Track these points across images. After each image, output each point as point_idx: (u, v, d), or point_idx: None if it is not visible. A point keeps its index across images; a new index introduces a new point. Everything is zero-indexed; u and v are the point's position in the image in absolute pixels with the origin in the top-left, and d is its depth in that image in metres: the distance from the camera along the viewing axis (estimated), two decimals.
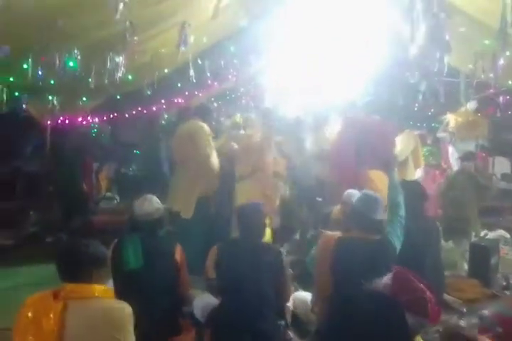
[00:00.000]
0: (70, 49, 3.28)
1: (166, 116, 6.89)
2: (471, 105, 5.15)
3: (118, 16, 2.40)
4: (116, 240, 2.68)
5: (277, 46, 6.49)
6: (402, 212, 2.64)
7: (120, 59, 3.39)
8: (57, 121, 5.54)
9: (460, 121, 5.06)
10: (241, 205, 3.06)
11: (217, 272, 2.67)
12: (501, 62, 3.68)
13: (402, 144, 4.57)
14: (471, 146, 5.29)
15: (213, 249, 2.76)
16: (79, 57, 3.27)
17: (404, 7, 2.58)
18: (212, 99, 8.62)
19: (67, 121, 5.62)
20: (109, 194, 6.95)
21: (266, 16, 5.01)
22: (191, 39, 3.46)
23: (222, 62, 5.10)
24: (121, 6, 2.40)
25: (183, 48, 3.43)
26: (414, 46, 2.53)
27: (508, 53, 4.14)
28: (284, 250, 3.80)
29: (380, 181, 3.82)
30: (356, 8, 4.97)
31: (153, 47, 4.01)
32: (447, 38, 2.51)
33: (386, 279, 2.24)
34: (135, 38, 3.06)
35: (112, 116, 6.35)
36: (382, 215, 2.58)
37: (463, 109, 5.21)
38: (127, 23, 2.90)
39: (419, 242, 2.98)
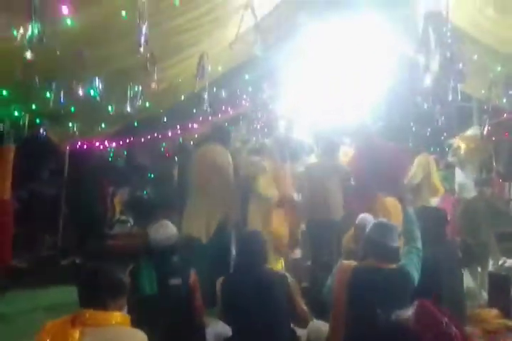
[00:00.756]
0: (91, 78, 3.41)
1: (181, 140, 7.00)
2: (475, 130, 5.21)
3: (142, 50, 2.49)
4: (131, 266, 2.70)
5: (291, 73, 6.65)
6: (419, 244, 2.62)
7: (140, 88, 3.51)
8: (75, 146, 5.68)
9: (471, 147, 5.07)
10: (241, 233, 3.09)
11: (224, 303, 2.65)
12: None
13: (416, 167, 4.56)
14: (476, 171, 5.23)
15: (219, 281, 2.74)
16: (100, 86, 3.39)
17: (418, 37, 2.65)
18: (226, 123, 8.78)
19: (85, 146, 5.76)
20: (123, 217, 7.01)
21: (280, 45, 5.16)
22: (209, 69, 3.57)
23: (238, 90, 5.21)
24: (142, 39, 2.49)
25: (200, 78, 3.53)
26: (428, 75, 2.58)
27: None
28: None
29: (394, 208, 3.82)
30: (370, 36, 5.09)
31: (171, 75, 4.14)
32: (461, 67, 2.55)
33: (409, 312, 2.20)
34: (155, 68, 3.16)
35: (128, 140, 6.49)
36: (397, 243, 2.57)
37: (468, 133, 5.26)
38: (148, 54, 3.01)
39: (443, 269, 2.93)
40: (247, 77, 5.43)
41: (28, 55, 2.18)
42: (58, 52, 2.58)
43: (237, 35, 3.28)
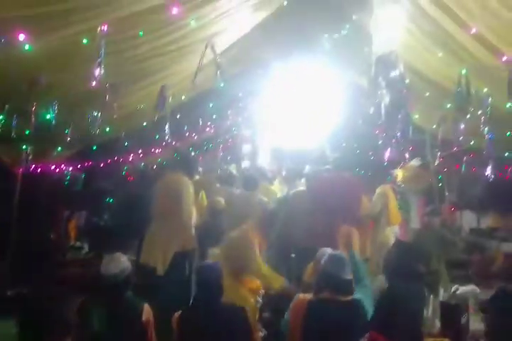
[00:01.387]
0: (47, 102, 3.34)
1: (142, 165, 6.91)
2: (415, 161, 5.56)
3: (94, 84, 2.48)
4: (81, 300, 2.57)
5: (256, 101, 6.82)
6: (367, 281, 2.71)
7: (98, 114, 3.47)
8: (29, 169, 5.46)
9: (406, 175, 5.36)
10: (199, 265, 3.04)
11: (180, 340, 2.57)
12: (462, 125, 3.94)
13: (376, 197, 4.69)
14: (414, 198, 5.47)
15: (175, 316, 2.66)
16: (56, 111, 3.32)
17: (370, 78, 2.80)
18: (191, 148, 8.79)
19: (39, 169, 5.55)
20: (77, 243, 6.72)
21: (245, 75, 5.31)
22: (169, 100, 3.59)
23: (200, 119, 5.26)
24: (97, 72, 2.48)
25: (160, 110, 3.55)
26: (381, 113, 2.71)
27: (468, 116, 4.49)
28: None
29: (353, 238, 3.89)
30: (330, 71, 5.32)
31: (132, 102, 4.13)
32: (406, 111, 2.71)
33: None
34: (115, 97, 3.15)
35: (86, 164, 6.32)
36: (350, 275, 2.61)
37: (409, 164, 5.59)
38: (107, 85, 3.00)
39: (411, 302, 2.93)
40: (210, 105, 5.50)
41: None
42: (11, 77, 2.50)
43: (197, 72, 3.34)
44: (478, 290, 5.91)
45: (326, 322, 2.47)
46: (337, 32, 5.01)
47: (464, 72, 3.86)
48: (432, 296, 4.48)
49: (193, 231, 4.21)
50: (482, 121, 4.00)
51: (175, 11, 2.77)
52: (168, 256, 3.97)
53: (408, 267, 2.85)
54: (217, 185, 5.57)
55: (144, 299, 2.81)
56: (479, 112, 4.01)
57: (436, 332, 4.11)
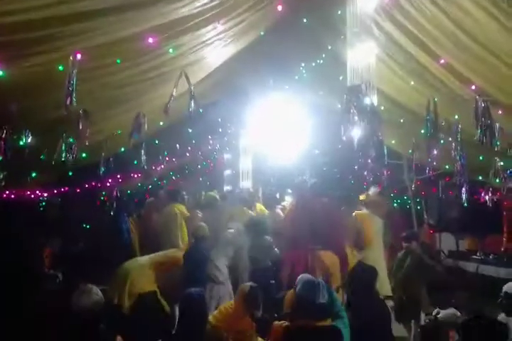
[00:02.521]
0: (20, 128, 3.29)
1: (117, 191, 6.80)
2: (373, 188, 5.75)
3: (65, 113, 2.48)
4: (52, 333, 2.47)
5: (234, 126, 6.88)
6: (344, 313, 2.71)
7: (73, 140, 3.44)
8: (1, 195, 5.33)
9: (367, 201, 5.47)
10: (184, 293, 2.96)
11: None
12: (435, 151, 4.04)
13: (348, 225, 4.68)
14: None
15: None
16: (29, 137, 3.28)
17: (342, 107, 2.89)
18: (171, 172, 8.75)
19: (13, 196, 5.42)
20: (51, 271, 6.48)
21: (223, 102, 5.38)
22: (145, 126, 3.60)
23: (178, 145, 5.28)
24: (68, 99, 2.48)
25: (135, 137, 3.55)
26: (354, 140, 2.77)
27: (442, 141, 4.62)
28: None
29: (331, 262, 3.87)
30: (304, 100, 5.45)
31: (109, 128, 4.12)
32: (378, 138, 2.79)
33: None
34: (88, 124, 3.14)
35: (62, 190, 6.21)
36: (325, 299, 2.58)
37: (368, 191, 5.75)
38: (81, 111, 3.00)
39: (374, 325, 2.99)
40: (190, 130, 5.52)
41: None
42: None
43: (170, 100, 3.38)
44: (458, 313, 5.92)
45: None
46: (313, 61, 5.15)
47: (432, 99, 4.00)
48: (413, 321, 4.46)
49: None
50: (453, 146, 4.12)
51: (150, 40, 2.81)
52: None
53: (367, 286, 3.03)
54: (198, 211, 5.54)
55: (116, 331, 2.71)
56: (449, 139, 4.13)
57: None
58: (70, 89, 2.50)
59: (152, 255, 4.35)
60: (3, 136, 2.97)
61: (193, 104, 3.30)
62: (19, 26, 2.37)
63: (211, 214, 5.17)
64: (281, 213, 5.00)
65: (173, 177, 8.90)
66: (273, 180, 7.82)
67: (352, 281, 3.32)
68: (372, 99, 2.68)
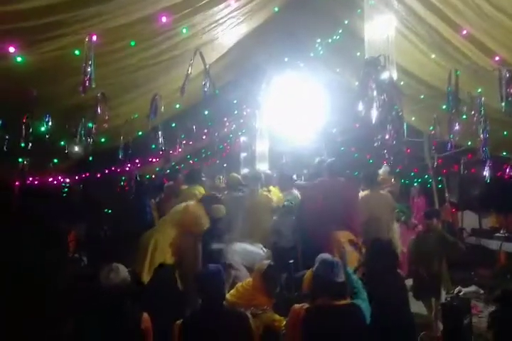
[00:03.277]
0: (41, 114, 3.33)
1: (137, 175, 6.88)
2: (384, 168, 5.73)
3: (83, 94, 2.47)
4: (79, 316, 2.56)
5: (250, 107, 6.82)
6: (364, 295, 2.69)
7: (92, 125, 3.47)
8: (26, 182, 5.44)
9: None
10: (200, 271, 3.00)
11: None
12: (456, 126, 3.94)
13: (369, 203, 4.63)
14: None
15: (176, 324, 2.63)
16: (50, 123, 3.31)
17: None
18: (188, 156, 8.79)
19: (36, 182, 5.53)
20: (76, 256, 6.66)
21: (238, 82, 5.31)
22: (162, 109, 3.59)
23: (194, 127, 5.26)
24: (87, 82, 2.48)
25: (152, 118, 3.54)
26: (372, 116, 2.71)
27: (464, 116, 4.49)
28: None
29: (346, 241, 3.86)
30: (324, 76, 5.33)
31: (126, 112, 4.13)
32: (397, 112, 2.71)
33: None
34: (106, 107, 3.15)
35: (83, 175, 6.30)
36: (343, 278, 2.59)
37: (380, 170, 5.71)
38: (99, 94, 3.00)
39: (392, 301, 3.02)
40: (206, 112, 5.49)
41: None
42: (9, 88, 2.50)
43: (185, 81, 3.34)
44: (481, 291, 5.89)
45: (326, 328, 2.43)
46: (329, 37, 5.02)
47: (454, 71, 3.86)
48: (433, 299, 4.45)
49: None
50: (476, 120, 3.99)
51: (164, 19, 2.76)
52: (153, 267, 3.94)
53: (386, 261, 3.08)
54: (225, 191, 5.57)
55: (142, 308, 2.78)
56: (472, 112, 4.01)
57: (440, 335, 4.09)
58: (89, 70, 2.49)
59: (170, 212, 4.38)
60: (25, 122, 3.01)
61: (208, 84, 3.26)
62: (36, 11, 2.36)
63: (234, 196, 5.18)
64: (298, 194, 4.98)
65: (190, 161, 8.95)
66: (289, 160, 7.77)
67: (370, 258, 3.31)
68: (391, 73, 2.60)
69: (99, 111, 3.08)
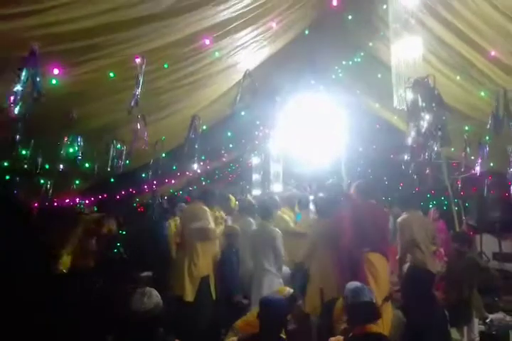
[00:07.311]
0: (73, 135, 3.33)
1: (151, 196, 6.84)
2: None
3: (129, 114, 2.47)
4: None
5: (268, 128, 6.84)
6: None
7: (124, 147, 3.46)
8: (44, 203, 5.42)
9: None
10: (264, 297, 2.91)
11: None
12: (487, 148, 3.92)
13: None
14: None
15: None
16: (81, 144, 3.31)
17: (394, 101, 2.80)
18: (202, 178, 8.77)
19: (55, 203, 5.50)
20: (93, 277, 6.54)
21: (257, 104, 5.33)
22: (200, 130, 3.61)
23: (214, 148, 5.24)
24: (133, 102, 2.49)
25: (192, 138, 3.55)
26: (412, 139, 2.69)
27: (487, 138, 4.46)
28: None
29: (378, 264, 3.76)
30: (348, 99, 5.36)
31: (151, 133, 4.12)
32: (443, 132, 2.69)
33: None
34: (145, 129, 3.15)
35: (101, 197, 6.27)
36: (373, 300, 2.51)
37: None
38: (139, 116, 3.00)
39: (431, 328, 2.90)
40: (229, 134, 5.51)
41: (16, 111, 2.10)
42: (46, 111, 2.50)
43: (237, 99, 3.39)
44: (507, 317, 5.67)
45: None
46: (350, 59, 5.06)
47: (502, 91, 3.85)
48: (465, 327, 4.28)
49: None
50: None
51: (207, 42, 2.80)
52: (196, 282, 3.93)
53: (423, 289, 2.95)
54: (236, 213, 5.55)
55: (173, 334, 2.69)
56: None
57: None
58: (137, 91, 2.50)
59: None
60: (63, 143, 3.01)
61: (238, 103, 3.28)
62: (75, 34, 2.39)
63: (247, 219, 5.18)
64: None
65: (203, 183, 8.92)
66: (305, 183, 7.71)
67: (407, 285, 3.22)
68: (438, 92, 2.59)
69: (138, 132, 3.07)
